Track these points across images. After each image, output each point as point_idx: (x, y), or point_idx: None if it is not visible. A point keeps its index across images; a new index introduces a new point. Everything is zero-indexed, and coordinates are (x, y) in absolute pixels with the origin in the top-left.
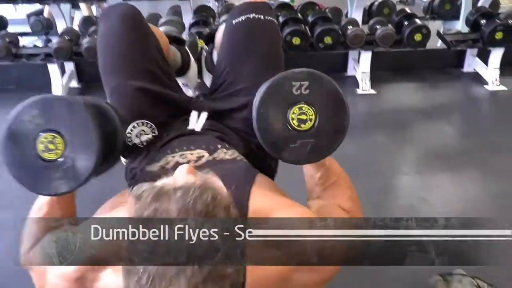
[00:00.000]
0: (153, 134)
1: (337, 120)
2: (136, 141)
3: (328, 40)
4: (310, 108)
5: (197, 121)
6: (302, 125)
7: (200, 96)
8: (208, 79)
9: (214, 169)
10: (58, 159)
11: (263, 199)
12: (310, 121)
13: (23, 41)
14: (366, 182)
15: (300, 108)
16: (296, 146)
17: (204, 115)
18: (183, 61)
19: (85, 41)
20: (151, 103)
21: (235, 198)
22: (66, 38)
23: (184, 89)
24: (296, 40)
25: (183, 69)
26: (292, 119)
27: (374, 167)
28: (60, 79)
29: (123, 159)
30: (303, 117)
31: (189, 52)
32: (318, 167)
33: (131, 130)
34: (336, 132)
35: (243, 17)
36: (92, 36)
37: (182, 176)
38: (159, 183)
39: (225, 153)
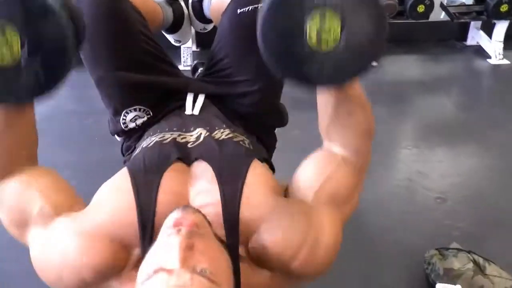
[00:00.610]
0: (148, 116)
1: (370, 32)
2: (132, 125)
3: None
4: (335, 17)
5: (193, 103)
6: (323, 38)
7: (198, 66)
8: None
9: (210, 159)
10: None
11: (257, 201)
12: (334, 36)
13: None
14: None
15: (323, 16)
16: (311, 67)
17: (202, 98)
18: (175, 17)
19: None
20: (142, 91)
21: (226, 209)
22: None
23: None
24: None
25: (175, 27)
26: (310, 35)
27: (386, 126)
28: None
29: (117, 137)
30: (326, 29)
31: (182, 5)
32: (336, 95)
33: (125, 116)
34: (368, 48)
35: (250, 8)
36: None
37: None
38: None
39: (222, 133)
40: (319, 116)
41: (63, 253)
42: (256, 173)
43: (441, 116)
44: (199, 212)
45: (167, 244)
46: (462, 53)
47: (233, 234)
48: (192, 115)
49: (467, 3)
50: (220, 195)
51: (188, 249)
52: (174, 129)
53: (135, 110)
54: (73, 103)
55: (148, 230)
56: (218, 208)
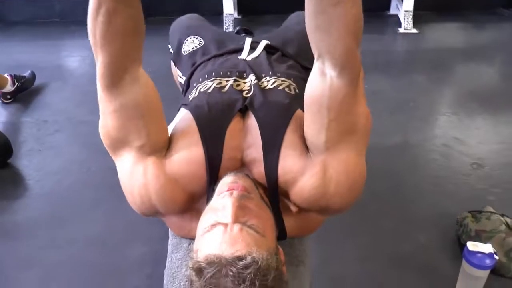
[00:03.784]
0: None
1: None
2: (188, 48)
3: None
4: None
5: (249, 48)
6: None
7: (240, 32)
8: None
9: (258, 114)
10: None
11: (291, 164)
12: None
13: None
14: (402, 119)
15: None
16: None
17: (264, 42)
18: None
19: None
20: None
21: (267, 169)
22: None
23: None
24: None
25: None
26: None
27: (410, 105)
28: None
29: (179, 72)
30: None
31: None
32: None
33: (185, 43)
34: None
35: None
36: None
37: (235, 236)
38: (215, 249)
39: (268, 81)
40: (306, 14)
41: (146, 188)
42: (292, 134)
43: (483, 84)
44: (248, 177)
45: (223, 204)
46: (507, 21)
47: (273, 188)
48: (245, 60)
49: None
50: (263, 156)
51: (240, 208)
52: (229, 73)
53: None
54: None
55: (213, 181)
56: (261, 166)
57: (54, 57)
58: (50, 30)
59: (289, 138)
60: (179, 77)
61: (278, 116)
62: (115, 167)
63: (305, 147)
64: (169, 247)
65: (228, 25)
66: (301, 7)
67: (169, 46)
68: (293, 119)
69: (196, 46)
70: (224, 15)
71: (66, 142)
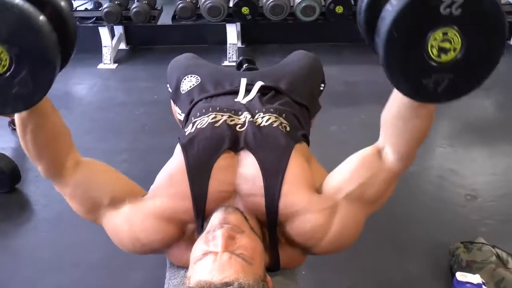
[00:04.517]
0: (198, 83)
1: (487, 53)
2: (186, 87)
3: None
4: (457, 35)
5: (245, 90)
6: (443, 55)
7: (243, 62)
8: None
9: (255, 150)
10: (7, 73)
11: (293, 198)
12: (454, 51)
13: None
14: None
15: (445, 33)
16: (428, 81)
17: (258, 84)
18: None
19: (134, 6)
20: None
21: (268, 202)
22: (116, 2)
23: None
24: (339, 9)
25: None
26: (432, 46)
27: None
28: (110, 41)
29: (178, 109)
30: (446, 45)
31: None
32: (421, 106)
33: (183, 82)
34: (482, 69)
35: None
36: (140, 1)
37: (224, 263)
38: (206, 276)
39: (262, 118)
40: (388, 105)
41: (134, 232)
42: (294, 168)
43: (478, 115)
44: (238, 210)
45: (213, 235)
46: (507, 52)
47: (272, 221)
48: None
49: None
50: (264, 189)
51: (230, 238)
52: (225, 109)
53: (190, 77)
54: (124, 95)
55: (200, 213)
56: (262, 200)
57: (62, 84)
58: None
59: (292, 172)
60: (178, 114)
61: (277, 150)
62: None
63: (310, 182)
64: (167, 274)
65: (232, 54)
66: (302, 37)
67: (168, 85)
68: (293, 153)
69: (193, 84)
70: (228, 44)
71: None
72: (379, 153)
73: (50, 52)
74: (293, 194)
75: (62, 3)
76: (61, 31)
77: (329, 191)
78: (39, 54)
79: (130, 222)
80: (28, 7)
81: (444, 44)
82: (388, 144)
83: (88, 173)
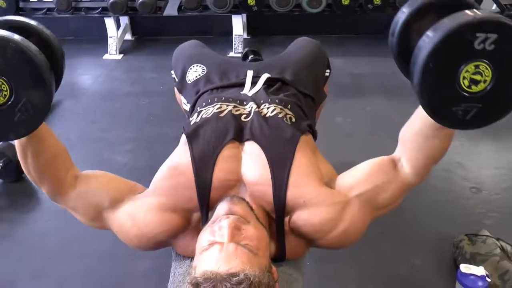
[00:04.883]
0: (203, 72)
1: None
2: (192, 77)
3: (377, 1)
4: (488, 68)
5: (251, 82)
6: (473, 87)
7: (249, 53)
8: None
9: (260, 141)
10: (8, 102)
11: (302, 188)
12: (484, 83)
13: None
14: None
15: (477, 66)
16: (458, 109)
17: (264, 77)
18: None
19: None
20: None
21: (275, 192)
22: None
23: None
24: (345, 0)
25: None
26: (464, 78)
27: None
28: (115, 32)
29: (183, 99)
30: (477, 77)
31: None
32: (444, 128)
33: (189, 71)
34: (509, 100)
35: None
36: None
37: (230, 254)
38: (212, 266)
39: (268, 108)
40: (410, 122)
41: (138, 227)
42: (301, 159)
43: None
44: (243, 200)
45: (220, 225)
46: None
47: (280, 211)
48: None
49: None
50: (272, 179)
51: (235, 228)
52: (230, 99)
53: (196, 66)
54: (129, 86)
55: (205, 202)
56: (269, 190)
57: (67, 75)
58: (65, 47)
59: (298, 162)
60: (184, 104)
61: (284, 141)
62: None
63: (318, 174)
64: (173, 263)
65: (237, 46)
66: (307, 28)
67: (172, 72)
68: (299, 143)
69: (199, 74)
70: (233, 36)
71: (78, 159)
72: (395, 163)
73: (46, 78)
74: (301, 185)
75: (45, 29)
76: (50, 55)
77: (342, 187)
78: (36, 82)
79: (132, 218)
80: (21, 39)
81: (476, 76)
82: (405, 157)
83: (85, 184)
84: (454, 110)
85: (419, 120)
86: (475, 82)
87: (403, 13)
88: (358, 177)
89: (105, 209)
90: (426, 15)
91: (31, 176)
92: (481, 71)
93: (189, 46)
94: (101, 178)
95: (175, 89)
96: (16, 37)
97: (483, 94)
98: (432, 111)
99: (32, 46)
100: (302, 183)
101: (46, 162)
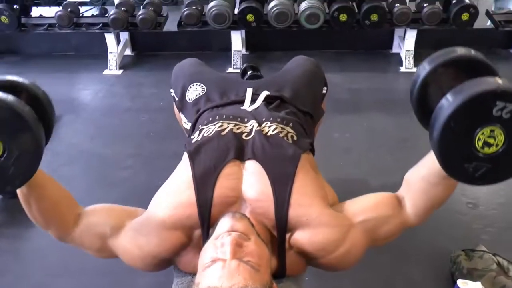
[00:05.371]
0: (204, 92)
1: None
2: (192, 96)
3: (374, 17)
4: (502, 133)
5: (251, 99)
6: (486, 148)
7: (247, 69)
8: None
9: (262, 160)
10: (1, 158)
11: (304, 208)
12: (496, 146)
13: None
14: (401, 157)
15: (492, 131)
16: (469, 166)
17: (264, 94)
18: None
19: (140, 12)
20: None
21: (277, 209)
22: (123, 9)
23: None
24: (343, 17)
25: None
26: (479, 139)
27: (409, 143)
28: (116, 47)
29: (184, 118)
30: (491, 140)
31: None
32: (447, 179)
33: (188, 90)
34: None
35: None
36: (146, 8)
37: (233, 271)
38: (215, 283)
39: (269, 127)
40: (418, 167)
41: (141, 247)
42: (304, 177)
43: None
44: (245, 216)
45: (222, 242)
46: (507, 61)
47: (281, 228)
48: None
49: None
50: (273, 196)
51: (237, 245)
52: (231, 117)
53: (196, 85)
54: (129, 101)
55: (206, 219)
56: (271, 207)
57: (68, 90)
58: (65, 63)
59: (300, 180)
60: (185, 123)
61: (285, 160)
62: (124, 199)
63: (320, 192)
64: (174, 280)
65: (236, 61)
66: (305, 44)
67: (171, 90)
68: (300, 162)
69: (199, 93)
70: (232, 51)
71: (78, 175)
72: (399, 201)
73: (36, 132)
74: (306, 205)
75: (32, 85)
76: (39, 109)
77: (348, 212)
78: (27, 136)
79: (135, 239)
80: (12, 98)
81: (490, 139)
82: (408, 199)
83: (86, 219)
84: (465, 167)
85: (426, 167)
86: (488, 145)
87: (424, 69)
88: (366, 205)
89: (109, 237)
90: (449, 70)
91: (37, 222)
92: (495, 135)
93: (188, 64)
94: (100, 209)
95: (175, 107)
96: (6, 96)
97: (494, 156)
98: (445, 165)
99: (23, 105)
100: (306, 203)
101: (50, 207)
